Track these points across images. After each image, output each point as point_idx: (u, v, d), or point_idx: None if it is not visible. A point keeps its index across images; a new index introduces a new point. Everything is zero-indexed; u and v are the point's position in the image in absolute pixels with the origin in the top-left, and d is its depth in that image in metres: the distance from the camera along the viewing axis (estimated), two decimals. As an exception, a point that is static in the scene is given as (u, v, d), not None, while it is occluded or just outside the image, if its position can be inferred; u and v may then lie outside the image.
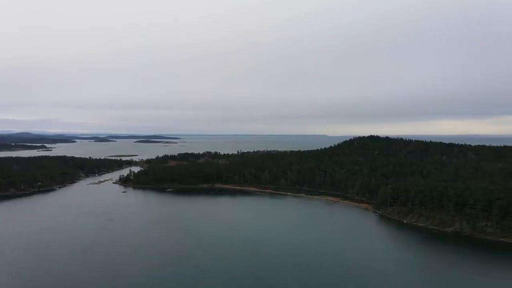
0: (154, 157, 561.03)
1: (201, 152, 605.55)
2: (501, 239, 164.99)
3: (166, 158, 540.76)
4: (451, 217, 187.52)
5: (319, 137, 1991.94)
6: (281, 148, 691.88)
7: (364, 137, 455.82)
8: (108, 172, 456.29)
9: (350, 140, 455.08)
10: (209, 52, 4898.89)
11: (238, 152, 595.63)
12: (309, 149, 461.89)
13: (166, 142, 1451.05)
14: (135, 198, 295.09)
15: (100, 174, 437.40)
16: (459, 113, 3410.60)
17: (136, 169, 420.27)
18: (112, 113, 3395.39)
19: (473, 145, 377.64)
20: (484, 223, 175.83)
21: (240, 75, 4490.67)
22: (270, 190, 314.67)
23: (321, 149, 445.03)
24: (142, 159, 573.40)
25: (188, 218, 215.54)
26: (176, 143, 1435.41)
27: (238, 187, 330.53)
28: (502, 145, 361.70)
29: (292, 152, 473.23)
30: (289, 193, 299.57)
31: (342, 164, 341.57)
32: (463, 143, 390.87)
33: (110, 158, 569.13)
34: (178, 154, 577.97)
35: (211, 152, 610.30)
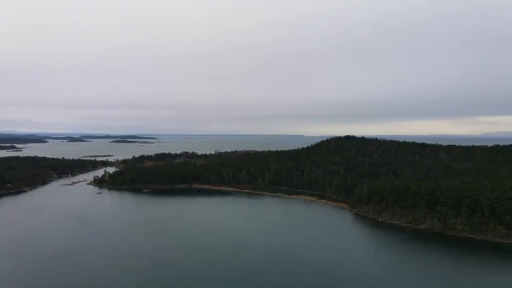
0: (130, 158, 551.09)
1: (178, 152, 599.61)
2: (470, 236, 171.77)
3: (142, 158, 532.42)
4: (423, 215, 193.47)
5: (297, 137, 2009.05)
6: (259, 148, 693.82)
7: (340, 137, 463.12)
8: (82, 173, 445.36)
9: (327, 140, 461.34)
10: (192, 52, 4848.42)
11: (216, 152, 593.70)
12: (287, 149, 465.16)
13: (143, 142, 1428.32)
14: (111, 199, 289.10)
15: (73, 175, 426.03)
16: (431, 114, 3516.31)
17: (111, 169, 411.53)
18: (87, 112, 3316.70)
19: (444, 145, 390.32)
20: (454, 220, 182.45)
21: (223, 76, 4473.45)
22: (248, 190, 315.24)
23: (298, 149, 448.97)
24: (118, 160, 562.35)
25: (166, 220, 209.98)
26: (153, 143, 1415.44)
27: (216, 187, 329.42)
28: (471, 145, 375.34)
29: (269, 152, 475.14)
30: (267, 193, 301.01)
31: (319, 164, 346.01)
32: (435, 143, 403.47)
33: (84, 158, 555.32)
34: (155, 154, 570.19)
35: (188, 152, 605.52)
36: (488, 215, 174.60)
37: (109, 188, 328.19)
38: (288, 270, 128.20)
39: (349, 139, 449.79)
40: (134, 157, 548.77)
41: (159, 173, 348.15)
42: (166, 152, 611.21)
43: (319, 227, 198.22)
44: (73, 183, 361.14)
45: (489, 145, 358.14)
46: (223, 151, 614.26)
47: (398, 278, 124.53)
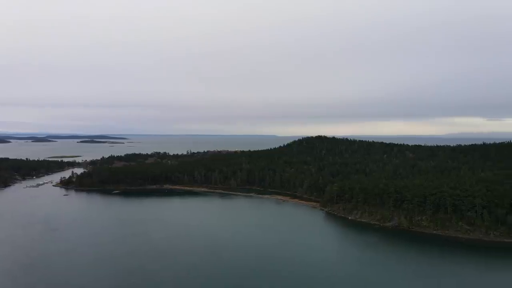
0: (99, 158, 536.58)
1: (149, 153, 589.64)
2: (434, 232, 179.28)
3: (112, 159, 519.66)
4: (391, 213, 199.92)
5: (269, 137, 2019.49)
6: (231, 148, 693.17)
7: (312, 137, 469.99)
8: (47, 174, 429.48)
9: (299, 140, 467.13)
10: (167, 52, 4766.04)
11: (188, 153, 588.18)
12: (259, 149, 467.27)
13: (112, 143, 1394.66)
14: (79, 201, 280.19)
15: (38, 176, 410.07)
16: (399, 115, 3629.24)
17: (79, 170, 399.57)
18: (53, 112, 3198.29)
19: (410, 145, 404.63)
20: (419, 217, 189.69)
21: (195, 77, 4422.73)
22: (220, 190, 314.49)
23: (271, 149, 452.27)
24: (86, 160, 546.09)
25: (139, 222, 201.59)
26: (123, 143, 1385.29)
27: (188, 188, 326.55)
28: (435, 144, 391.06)
29: (242, 152, 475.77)
30: (239, 193, 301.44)
31: (291, 164, 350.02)
32: (402, 143, 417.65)
33: (50, 159, 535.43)
34: (125, 154, 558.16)
35: (160, 152, 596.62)
36: (451, 212, 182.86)
37: (77, 190, 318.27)
38: (267, 271, 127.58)
39: (321, 139, 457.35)
40: (103, 157, 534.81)
41: (130, 174, 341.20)
42: (137, 152, 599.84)
43: (292, 227, 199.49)
44: (38, 185, 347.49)
45: (452, 145, 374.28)
46: (195, 151, 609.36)
47: (374, 277, 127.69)
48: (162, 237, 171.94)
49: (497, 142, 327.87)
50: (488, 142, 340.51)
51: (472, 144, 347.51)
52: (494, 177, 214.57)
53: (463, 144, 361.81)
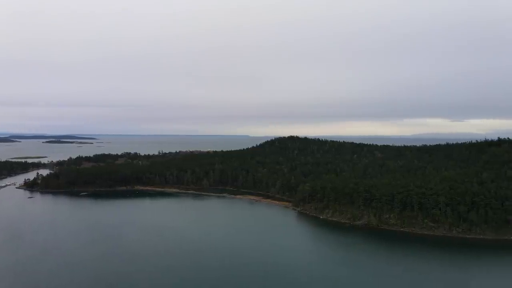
0: (66, 159, 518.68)
1: (119, 153, 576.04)
2: (401, 229, 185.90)
3: (80, 159, 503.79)
4: (361, 211, 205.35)
5: (242, 137, 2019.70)
6: (203, 148, 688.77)
7: (284, 137, 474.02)
8: (10, 176, 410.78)
9: (271, 140, 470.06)
10: (140, 51, 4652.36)
11: (160, 153, 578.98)
12: (232, 149, 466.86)
13: (80, 143, 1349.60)
14: (45, 204, 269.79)
15: (0, 178, 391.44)
16: (369, 116, 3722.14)
17: (45, 172, 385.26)
18: (16, 110, 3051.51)
19: (379, 145, 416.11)
20: (387, 215, 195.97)
21: (166, 76, 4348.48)
22: (192, 191, 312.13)
23: (243, 149, 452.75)
24: (52, 161, 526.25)
25: (110, 225, 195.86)
26: (92, 143, 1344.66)
27: (159, 189, 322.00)
28: (402, 145, 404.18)
29: (215, 152, 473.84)
30: (212, 194, 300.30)
31: (263, 164, 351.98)
32: (371, 143, 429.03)
33: (13, 160, 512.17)
34: (94, 155, 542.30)
35: (130, 153, 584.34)
36: (417, 209, 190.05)
37: (42, 192, 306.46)
38: (241, 273, 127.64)
39: (293, 139, 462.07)
40: (70, 158, 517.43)
41: (99, 174, 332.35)
42: (106, 152, 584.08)
43: (265, 227, 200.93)
44: (0, 187, 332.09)
45: (418, 145, 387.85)
46: (167, 152, 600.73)
47: (346, 277, 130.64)
48: (134, 240, 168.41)
49: (460, 142, 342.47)
50: (451, 143, 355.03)
51: (436, 144, 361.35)
52: (457, 176, 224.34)
53: (428, 145, 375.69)
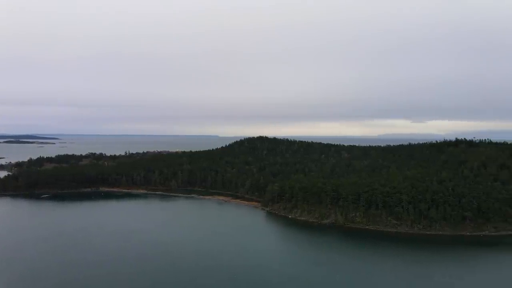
0: (26, 160, 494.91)
1: (84, 154, 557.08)
2: (367, 227, 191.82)
3: (41, 160, 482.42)
4: (328, 210, 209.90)
5: (211, 137, 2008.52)
6: (171, 148, 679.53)
7: (253, 137, 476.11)
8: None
9: (241, 140, 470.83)
10: (107, 50, 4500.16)
11: (126, 153, 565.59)
12: (201, 149, 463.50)
13: (42, 143, 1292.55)
14: (2, 208, 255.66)
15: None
16: (336, 116, 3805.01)
17: (2, 173, 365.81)
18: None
19: (346, 145, 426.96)
20: (353, 214, 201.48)
21: (133, 75, 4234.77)
22: (160, 192, 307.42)
23: (212, 149, 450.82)
24: (11, 162, 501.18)
25: (74, 230, 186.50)
26: (54, 143, 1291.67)
27: (126, 190, 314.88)
28: (368, 145, 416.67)
29: (183, 152, 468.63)
30: (180, 194, 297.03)
31: (233, 164, 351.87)
32: (338, 143, 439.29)
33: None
34: (56, 156, 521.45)
35: (95, 153, 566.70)
36: (381, 208, 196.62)
37: (0, 195, 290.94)
38: (212, 275, 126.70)
39: (262, 139, 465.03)
40: (31, 159, 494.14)
41: (61, 176, 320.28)
42: (70, 153, 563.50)
43: (234, 228, 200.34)
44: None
45: (382, 145, 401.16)
46: (134, 152, 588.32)
47: (316, 277, 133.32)
48: (102, 244, 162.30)
49: (421, 143, 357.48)
50: (413, 143, 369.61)
51: (399, 145, 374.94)
52: (418, 174, 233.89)
53: (392, 145, 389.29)
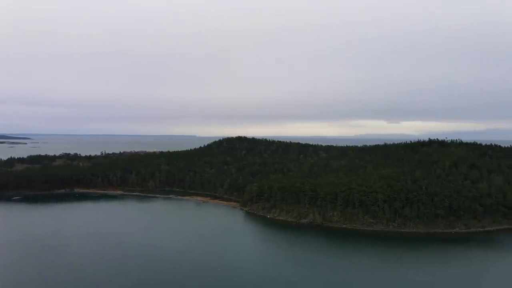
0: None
1: (57, 154, 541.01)
2: (344, 226, 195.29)
3: (12, 161, 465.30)
4: (306, 210, 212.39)
5: (189, 137, 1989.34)
6: (149, 148, 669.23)
7: (232, 137, 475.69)
8: None
9: (219, 140, 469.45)
10: (85, 49, 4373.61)
11: (102, 154, 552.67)
12: (179, 150, 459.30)
13: (13, 143, 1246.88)
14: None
15: None
16: (314, 117, 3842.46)
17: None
18: None
19: (323, 145, 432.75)
20: (331, 213, 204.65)
21: (109, 73, 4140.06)
22: (138, 193, 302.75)
23: (190, 149, 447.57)
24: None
25: (48, 233, 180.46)
26: (26, 143, 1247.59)
27: (102, 191, 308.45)
28: (345, 145, 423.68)
29: (161, 152, 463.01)
30: (158, 195, 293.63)
31: (211, 164, 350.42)
32: (316, 144, 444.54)
33: None
34: (28, 156, 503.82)
35: (70, 153, 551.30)
36: (358, 207, 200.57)
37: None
38: (194, 278, 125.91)
39: (241, 139, 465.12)
40: (0, 159, 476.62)
41: (33, 177, 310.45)
42: (43, 153, 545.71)
43: (213, 229, 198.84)
44: None
45: (359, 145, 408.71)
46: (110, 152, 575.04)
47: (295, 277, 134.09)
48: (79, 247, 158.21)
49: (396, 143, 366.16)
50: (388, 143, 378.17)
51: (376, 145, 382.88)
52: (393, 174, 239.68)
53: (368, 145, 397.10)
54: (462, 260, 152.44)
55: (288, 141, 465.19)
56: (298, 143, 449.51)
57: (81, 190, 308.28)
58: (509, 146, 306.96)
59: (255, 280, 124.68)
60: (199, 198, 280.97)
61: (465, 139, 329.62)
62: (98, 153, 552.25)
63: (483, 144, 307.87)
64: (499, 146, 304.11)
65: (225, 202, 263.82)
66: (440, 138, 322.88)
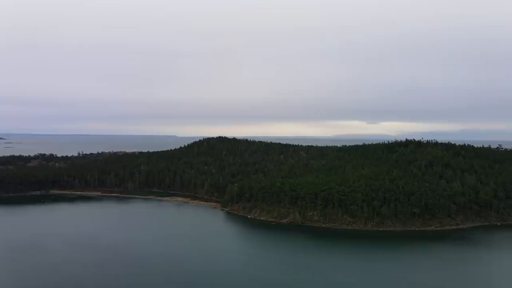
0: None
1: (32, 155, 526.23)
2: (324, 225, 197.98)
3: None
4: (287, 210, 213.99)
5: (169, 137, 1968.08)
6: (128, 149, 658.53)
7: (213, 138, 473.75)
8: None
9: (200, 141, 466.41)
10: (66, 46, 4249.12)
11: (80, 154, 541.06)
12: (159, 150, 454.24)
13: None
14: None
15: None
16: (295, 117, 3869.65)
17: None
18: None
19: (304, 145, 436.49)
20: (311, 213, 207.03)
21: (88, 72, 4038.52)
22: (117, 194, 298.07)
23: (171, 149, 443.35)
24: None
25: (25, 237, 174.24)
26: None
27: (79, 192, 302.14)
28: (325, 145, 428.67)
29: (140, 153, 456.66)
30: (137, 196, 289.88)
31: (191, 165, 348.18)
32: (297, 144, 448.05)
33: None
34: (1, 156, 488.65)
35: (45, 154, 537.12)
36: (337, 206, 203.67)
37: None
38: (174, 279, 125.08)
39: (221, 140, 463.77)
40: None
41: (6, 178, 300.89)
42: (17, 154, 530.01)
43: (194, 230, 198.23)
44: None
45: (339, 145, 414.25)
46: (88, 153, 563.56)
47: (278, 277, 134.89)
48: (56, 251, 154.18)
49: (374, 143, 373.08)
50: (367, 143, 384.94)
51: (355, 145, 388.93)
52: (372, 173, 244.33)
53: (347, 145, 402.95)
54: (435, 258, 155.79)
55: (268, 141, 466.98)
56: (279, 143, 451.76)
57: (57, 192, 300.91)
58: (481, 146, 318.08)
59: (236, 280, 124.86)
60: (179, 198, 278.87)
61: (440, 139, 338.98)
62: (75, 154, 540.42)
63: (457, 144, 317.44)
64: (472, 146, 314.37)
65: (205, 203, 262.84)
66: (416, 139, 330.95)
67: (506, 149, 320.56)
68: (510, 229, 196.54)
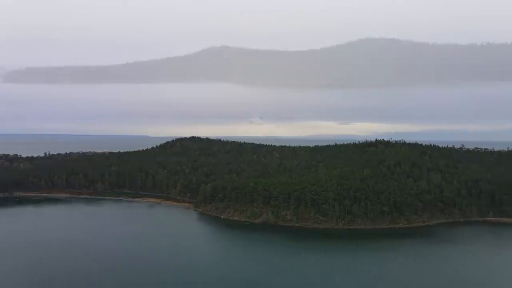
0: None
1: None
2: (297, 224, 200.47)
3: None
4: (260, 209, 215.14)
5: (141, 137, 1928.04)
6: (98, 149, 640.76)
7: (186, 138, 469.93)
8: None
9: (172, 141, 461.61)
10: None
11: (46, 154, 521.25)
12: (130, 150, 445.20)
13: None
14: None
15: None
16: (269, 117, 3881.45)
17: None
18: None
19: (277, 145, 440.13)
20: (284, 212, 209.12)
21: (55, 71, 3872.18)
22: (86, 195, 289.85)
23: (142, 150, 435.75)
24: None
25: None
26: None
27: (45, 194, 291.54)
28: (298, 145, 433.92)
29: (111, 153, 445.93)
30: (108, 197, 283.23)
31: (164, 165, 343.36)
32: (270, 144, 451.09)
33: None
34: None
35: (9, 154, 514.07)
36: (310, 205, 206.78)
37: None
38: (145, 280, 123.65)
39: (194, 140, 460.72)
40: None
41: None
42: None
43: (166, 231, 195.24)
44: None
45: (311, 145, 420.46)
46: (55, 153, 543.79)
47: (253, 276, 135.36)
48: (21, 254, 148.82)
49: (346, 143, 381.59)
50: (339, 143, 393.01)
51: (327, 145, 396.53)
52: (343, 173, 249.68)
53: (320, 145, 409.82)
54: (402, 255, 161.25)
55: (242, 141, 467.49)
56: (252, 144, 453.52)
57: (22, 194, 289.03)
58: (446, 146, 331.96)
59: (208, 280, 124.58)
60: (151, 199, 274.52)
61: (408, 139, 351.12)
62: (42, 154, 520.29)
63: (423, 144, 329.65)
64: (437, 146, 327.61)
65: (178, 203, 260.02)
66: (386, 139, 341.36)
67: (468, 149, 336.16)
68: (472, 226, 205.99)
